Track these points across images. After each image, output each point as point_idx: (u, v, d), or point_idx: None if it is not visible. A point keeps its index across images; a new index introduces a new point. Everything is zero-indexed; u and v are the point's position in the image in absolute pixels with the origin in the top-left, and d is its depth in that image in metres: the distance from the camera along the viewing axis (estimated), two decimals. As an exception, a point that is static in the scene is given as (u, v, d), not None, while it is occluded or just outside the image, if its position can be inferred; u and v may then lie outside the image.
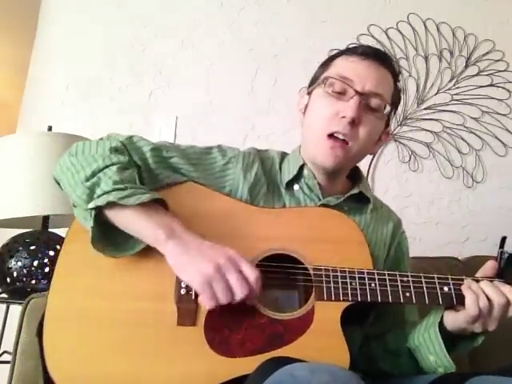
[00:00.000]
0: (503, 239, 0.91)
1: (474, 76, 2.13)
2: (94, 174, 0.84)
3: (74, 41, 2.01)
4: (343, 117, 0.93)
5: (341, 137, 0.94)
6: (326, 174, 1.01)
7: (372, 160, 2.03)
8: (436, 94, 2.12)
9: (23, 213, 1.43)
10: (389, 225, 1.07)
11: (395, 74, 1.02)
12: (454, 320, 0.87)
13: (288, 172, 1.02)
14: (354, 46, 1.02)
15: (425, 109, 2.11)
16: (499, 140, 2.12)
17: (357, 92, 0.93)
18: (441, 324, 0.89)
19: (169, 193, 0.91)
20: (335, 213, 0.95)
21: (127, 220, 0.83)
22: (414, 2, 2.17)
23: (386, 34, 2.13)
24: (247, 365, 0.76)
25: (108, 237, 0.84)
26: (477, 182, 2.09)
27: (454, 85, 2.13)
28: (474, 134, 2.11)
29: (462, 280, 0.87)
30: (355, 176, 1.08)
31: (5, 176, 1.52)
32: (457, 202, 2.08)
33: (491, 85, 2.14)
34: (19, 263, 1.43)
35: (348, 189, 1.04)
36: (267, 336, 0.81)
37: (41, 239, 1.48)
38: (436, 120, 2.10)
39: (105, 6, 2.04)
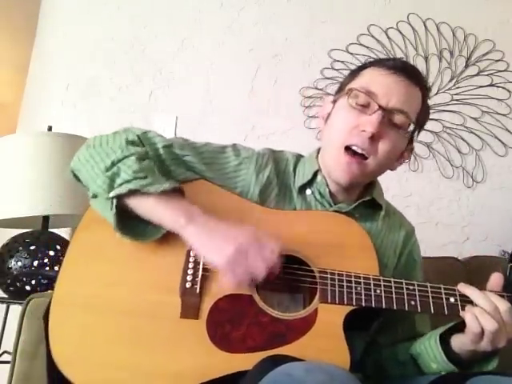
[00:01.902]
0: None
1: (474, 76, 2.13)
2: (113, 164, 0.86)
3: (74, 41, 2.01)
4: (363, 130, 0.91)
5: (359, 151, 0.92)
6: (340, 186, 0.99)
7: (372, 160, 2.03)
8: (436, 94, 2.12)
9: (23, 213, 1.43)
10: (401, 232, 1.05)
11: (425, 92, 0.98)
12: (461, 343, 0.85)
13: (302, 176, 1.01)
14: (384, 58, 1.02)
15: (425, 109, 2.11)
16: (499, 140, 2.12)
17: (380, 107, 0.91)
18: (448, 349, 0.87)
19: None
20: (344, 218, 0.94)
21: (148, 207, 0.85)
22: (414, 2, 2.17)
23: (386, 34, 2.13)
24: (246, 361, 0.77)
25: (128, 225, 0.86)
26: (477, 182, 2.09)
27: (454, 85, 2.13)
28: (474, 134, 2.11)
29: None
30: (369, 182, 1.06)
31: (5, 176, 1.52)
32: (457, 202, 2.08)
33: (491, 85, 2.14)
34: (19, 263, 1.43)
35: (360, 195, 1.02)
36: (268, 334, 0.82)
37: (41, 239, 1.48)
38: (436, 120, 2.10)
39: (105, 6, 2.04)
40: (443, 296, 0.86)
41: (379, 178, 1.07)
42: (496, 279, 0.87)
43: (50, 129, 1.64)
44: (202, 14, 2.08)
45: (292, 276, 0.88)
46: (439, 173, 2.08)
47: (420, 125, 1.00)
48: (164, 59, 2.03)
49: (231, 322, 0.82)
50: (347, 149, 0.93)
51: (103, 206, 0.87)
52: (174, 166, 0.95)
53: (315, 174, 1.00)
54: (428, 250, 1.99)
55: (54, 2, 2.07)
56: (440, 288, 0.87)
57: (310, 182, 1.00)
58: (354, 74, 1.00)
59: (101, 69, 1.99)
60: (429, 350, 0.88)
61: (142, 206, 0.86)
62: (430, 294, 0.86)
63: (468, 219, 2.05)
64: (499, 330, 0.80)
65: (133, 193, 0.84)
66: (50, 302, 0.85)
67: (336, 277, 0.86)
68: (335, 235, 0.92)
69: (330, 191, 0.99)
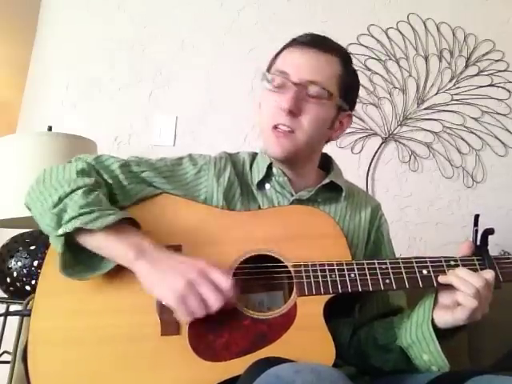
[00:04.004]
0: (476, 217, 0.91)
1: (474, 76, 2.13)
2: (60, 200, 0.85)
3: (74, 41, 2.01)
4: (282, 109, 0.95)
5: (285, 128, 0.96)
6: (290, 167, 1.03)
7: (372, 160, 2.03)
8: (436, 94, 2.12)
9: (23, 213, 1.43)
10: (367, 210, 1.07)
11: (343, 57, 1.01)
12: (449, 320, 0.85)
13: (257, 172, 1.04)
14: (299, 35, 1.02)
15: (425, 109, 2.11)
16: (499, 140, 2.12)
17: (293, 83, 0.95)
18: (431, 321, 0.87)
19: (144, 206, 0.91)
20: (310, 209, 0.96)
21: (97, 243, 0.84)
22: (414, 1, 2.17)
23: (386, 34, 2.13)
24: (234, 367, 0.77)
25: (80, 258, 0.85)
26: (477, 182, 2.09)
27: (454, 85, 2.13)
28: (474, 134, 2.11)
29: (441, 261, 0.87)
30: (327, 166, 1.10)
31: (5, 176, 1.52)
32: (457, 202, 2.08)
33: (491, 85, 2.14)
34: (19, 263, 1.43)
35: (321, 180, 1.05)
36: (251, 336, 0.81)
37: (41, 239, 1.48)
38: (436, 120, 2.10)
39: (105, 6, 2.04)
40: (416, 269, 0.86)
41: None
42: (466, 245, 0.91)
43: (50, 129, 1.64)
44: (202, 14, 2.08)
45: (268, 275, 0.88)
46: (439, 173, 2.08)
47: (347, 89, 1.01)
48: (164, 59, 2.03)
49: (213, 331, 0.82)
50: (275, 128, 0.97)
51: (54, 243, 0.86)
52: (133, 184, 0.95)
53: (270, 168, 1.03)
54: (428, 250, 2.00)
55: (53, 2, 2.07)
56: (412, 262, 0.87)
57: (267, 177, 1.03)
58: (273, 60, 1.04)
59: (101, 69, 1.99)
60: (421, 340, 0.87)
61: (91, 243, 0.85)
62: (402, 270, 0.86)
63: (468, 219, 2.05)
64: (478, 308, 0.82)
65: (80, 229, 0.83)
66: (26, 343, 0.82)
67: (310, 268, 0.86)
68: (303, 227, 0.92)
69: (289, 180, 1.02)
